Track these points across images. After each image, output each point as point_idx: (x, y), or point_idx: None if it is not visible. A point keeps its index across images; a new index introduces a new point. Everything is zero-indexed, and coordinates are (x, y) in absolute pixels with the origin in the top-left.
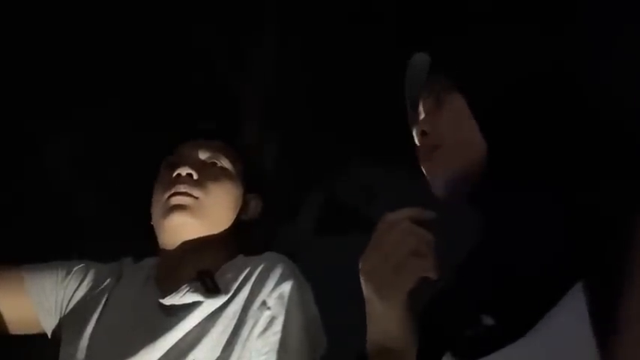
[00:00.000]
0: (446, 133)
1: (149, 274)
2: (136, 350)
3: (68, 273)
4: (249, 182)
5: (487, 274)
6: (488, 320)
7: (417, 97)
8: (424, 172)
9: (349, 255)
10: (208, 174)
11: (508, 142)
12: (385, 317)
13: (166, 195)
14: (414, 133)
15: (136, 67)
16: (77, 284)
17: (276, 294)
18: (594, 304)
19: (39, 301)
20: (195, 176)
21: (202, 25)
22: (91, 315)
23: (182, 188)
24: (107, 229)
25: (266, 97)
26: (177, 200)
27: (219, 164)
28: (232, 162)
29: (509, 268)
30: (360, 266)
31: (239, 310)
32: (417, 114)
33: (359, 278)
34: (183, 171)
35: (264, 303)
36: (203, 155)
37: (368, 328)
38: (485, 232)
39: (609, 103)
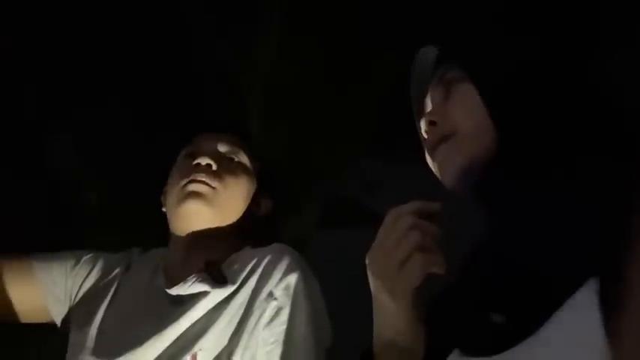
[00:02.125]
0: (456, 123)
1: (157, 263)
2: (143, 339)
3: (77, 262)
4: (263, 182)
5: (496, 268)
6: (497, 317)
7: (423, 88)
8: (432, 163)
9: (354, 248)
10: (226, 167)
11: (519, 132)
12: (392, 313)
13: (184, 181)
14: (421, 125)
15: (140, 59)
16: (86, 273)
17: (282, 285)
18: (606, 302)
19: (48, 289)
20: (214, 167)
21: (205, 15)
22: (101, 304)
23: (200, 177)
24: (115, 220)
25: (269, 88)
26: (194, 187)
27: (236, 159)
28: (249, 159)
29: (519, 264)
30: (366, 262)
31: (246, 301)
32: (424, 105)
33: (365, 270)
34: (203, 161)
35: (270, 294)
36: (222, 148)
37: (375, 323)
38: (494, 225)
39: (623, 95)
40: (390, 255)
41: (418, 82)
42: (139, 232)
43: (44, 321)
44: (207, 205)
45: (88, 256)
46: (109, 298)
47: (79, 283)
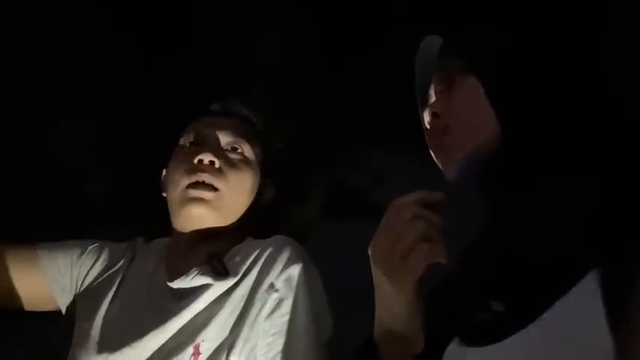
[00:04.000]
0: (459, 115)
1: (161, 255)
2: (145, 332)
3: (83, 252)
4: (265, 167)
5: (497, 258)
6: (497, 306)
7: (427, 80)
8: (434, 155)
9: (356, 239)
10: (230, 162)
11: (522, 126)
12: (394, 302)
13: (187, 182)
14: (425, 116)
15: (144, 56)
16: (92, 263)
17: (284, 277)
18: (608, 292)
19: (54, 278)
20: (217, 164)
21: (210, 11)
22: (106, 294)
23: (204, 178)
24: (118, 211)
25: (274, 83)
26: (198, 194)
27: (239, 150)
28: (252, 147)
29: (520, 254)
30: (369, 251)
31: (247, 293)
32: (427, 96)
33: (367, 263)
34: (206, 158)
35: (272, 285)
36: (225, 139)
37: (376, 313)
38: (496, 216)
39: (629, 91)
40: (394, 244)
41: (422, 71)
42: (141, 223)
43: (50, 309)
44: (211, 210)
45: (94, 245)
46: (114, 288)
47: (85, 273)
